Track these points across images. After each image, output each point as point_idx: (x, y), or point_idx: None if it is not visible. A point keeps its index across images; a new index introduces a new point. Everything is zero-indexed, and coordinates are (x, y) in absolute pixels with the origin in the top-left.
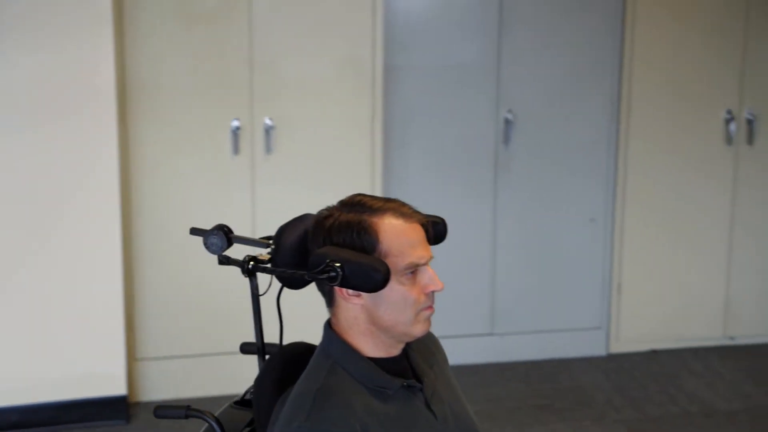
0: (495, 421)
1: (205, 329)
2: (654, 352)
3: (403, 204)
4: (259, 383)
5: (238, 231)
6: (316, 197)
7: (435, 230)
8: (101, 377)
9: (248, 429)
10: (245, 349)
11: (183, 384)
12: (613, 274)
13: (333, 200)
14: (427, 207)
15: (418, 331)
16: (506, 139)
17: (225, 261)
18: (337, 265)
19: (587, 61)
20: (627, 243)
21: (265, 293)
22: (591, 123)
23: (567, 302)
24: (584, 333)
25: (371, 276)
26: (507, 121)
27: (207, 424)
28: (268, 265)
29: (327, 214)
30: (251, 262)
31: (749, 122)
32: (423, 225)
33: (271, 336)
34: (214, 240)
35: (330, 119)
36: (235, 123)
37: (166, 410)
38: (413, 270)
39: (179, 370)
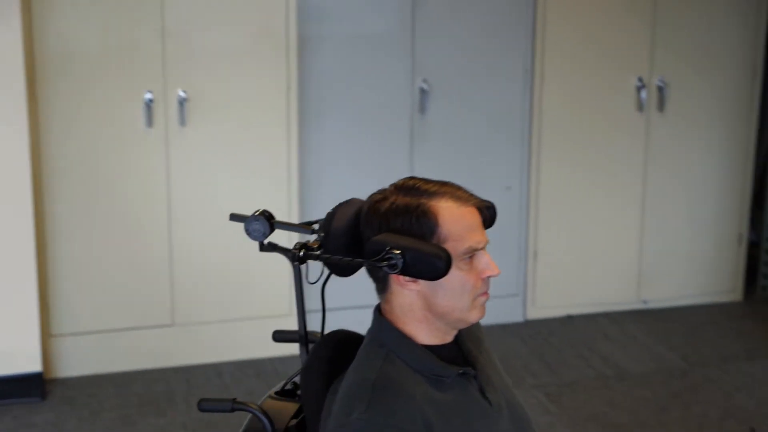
0: None
1: (121, 304)
2: (570, 318)
3: (459, 187)
4: (307, 373)
5: (153, 205)
6: (232, 169)
7: (489, 214)
8: (15, 354)
9: (294, 421)
10: (279, 337)
11: (100, 359)
12: (529, 241)
13: (248, 172)
14: (344, 177)
15: (474, 317)
16: (422, 108)
17: (270, 248)
18: (398, 252)
19: (501, 30)
20: (542, 210)
21: (317, 282)
22: (505, 92)
23: None
24: (501, 300)
25: (434, 264)
26: (422, 91)
27: (249, 417)
28: (318, 252)
29: (380, 197)
30: (303, 250)
31: (660, 89)
32: (479, 209)
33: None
34: (256, 226)
35: (245, 90)
36: (148, 95)
37: (210, 403)
38: (471, 255)
39: (96, 345)
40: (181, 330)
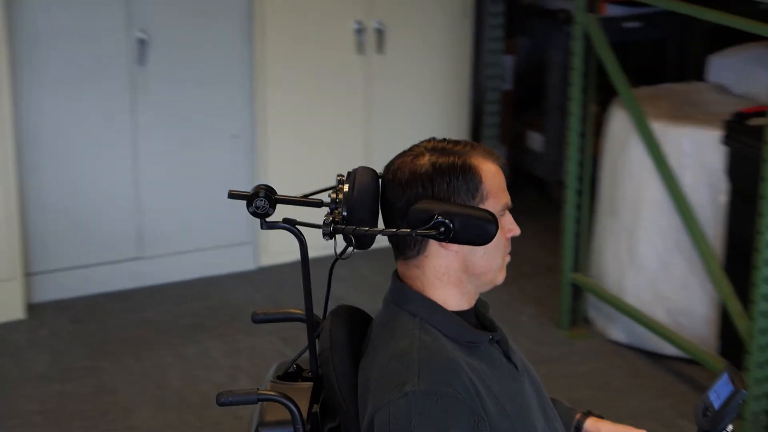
0: (148, 344)
1: None
2: None
3: (481, 145)
4: (334, 353)
5: None
6: None
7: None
8: None
9: (316, 406)
10: (261, 318)
11: None
12: None
13: None
14: (64, 131)
15: (501, 278)
16: (142, 59)
17: (286, 225)
18: (447, 219)
19: None
20: (272, 157)
21: (347, 258)
22: (227, 39)
23: (214, 219)
24: (233, 249)
25: (484, 228)
26: (141, 41)
27: (260, 406)
28: (353, 226)
29: (412, 158)
30: (332, 224)
31: (379, 32)
32: (501, 167)
33: None
34: (261, 203)
35: None
36: None
37: (231, 396)
38: (503, 213)
39: None
40: None
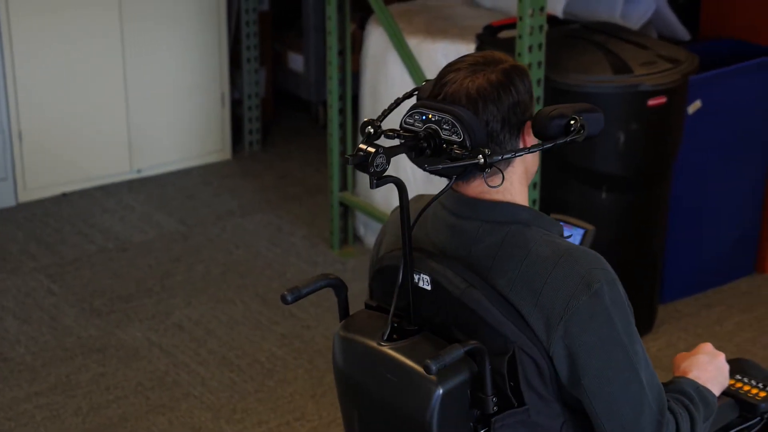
0: None
1: None
2: (65, 195)
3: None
4: (478, 287)
5: None
6: None
7: None
8: None
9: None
10: (293, 297)
11: None
12: (11, 122)
13: None
14: None
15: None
16: None
17: (392, 179)
18: (580, 119)
19: None
20: (21, 90)
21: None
22: None
23: None
24: None
25: (601, 120)
26: None
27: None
28: (511, 151)
29: (484, 75)
30: (485, 157)
31: None
32: None
33: None
34: (381, 161)
35: None
36: None
37: (443, 360)
38: None
39: None
40: None
